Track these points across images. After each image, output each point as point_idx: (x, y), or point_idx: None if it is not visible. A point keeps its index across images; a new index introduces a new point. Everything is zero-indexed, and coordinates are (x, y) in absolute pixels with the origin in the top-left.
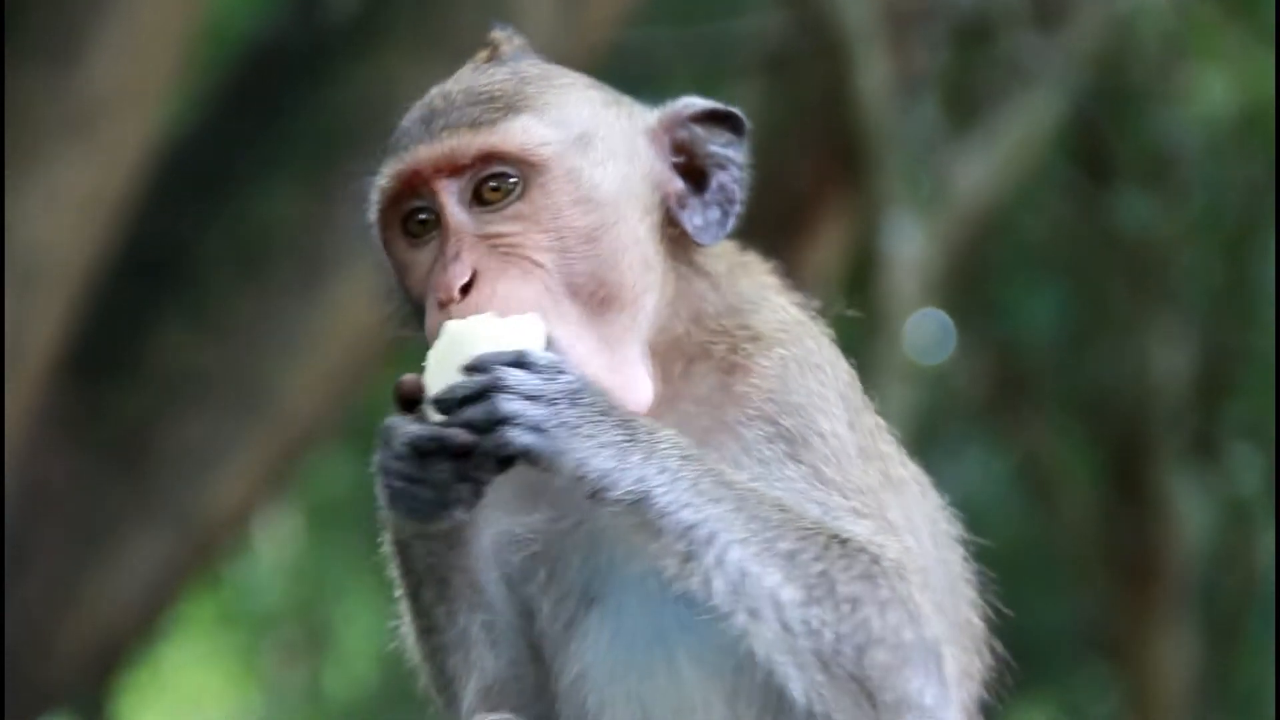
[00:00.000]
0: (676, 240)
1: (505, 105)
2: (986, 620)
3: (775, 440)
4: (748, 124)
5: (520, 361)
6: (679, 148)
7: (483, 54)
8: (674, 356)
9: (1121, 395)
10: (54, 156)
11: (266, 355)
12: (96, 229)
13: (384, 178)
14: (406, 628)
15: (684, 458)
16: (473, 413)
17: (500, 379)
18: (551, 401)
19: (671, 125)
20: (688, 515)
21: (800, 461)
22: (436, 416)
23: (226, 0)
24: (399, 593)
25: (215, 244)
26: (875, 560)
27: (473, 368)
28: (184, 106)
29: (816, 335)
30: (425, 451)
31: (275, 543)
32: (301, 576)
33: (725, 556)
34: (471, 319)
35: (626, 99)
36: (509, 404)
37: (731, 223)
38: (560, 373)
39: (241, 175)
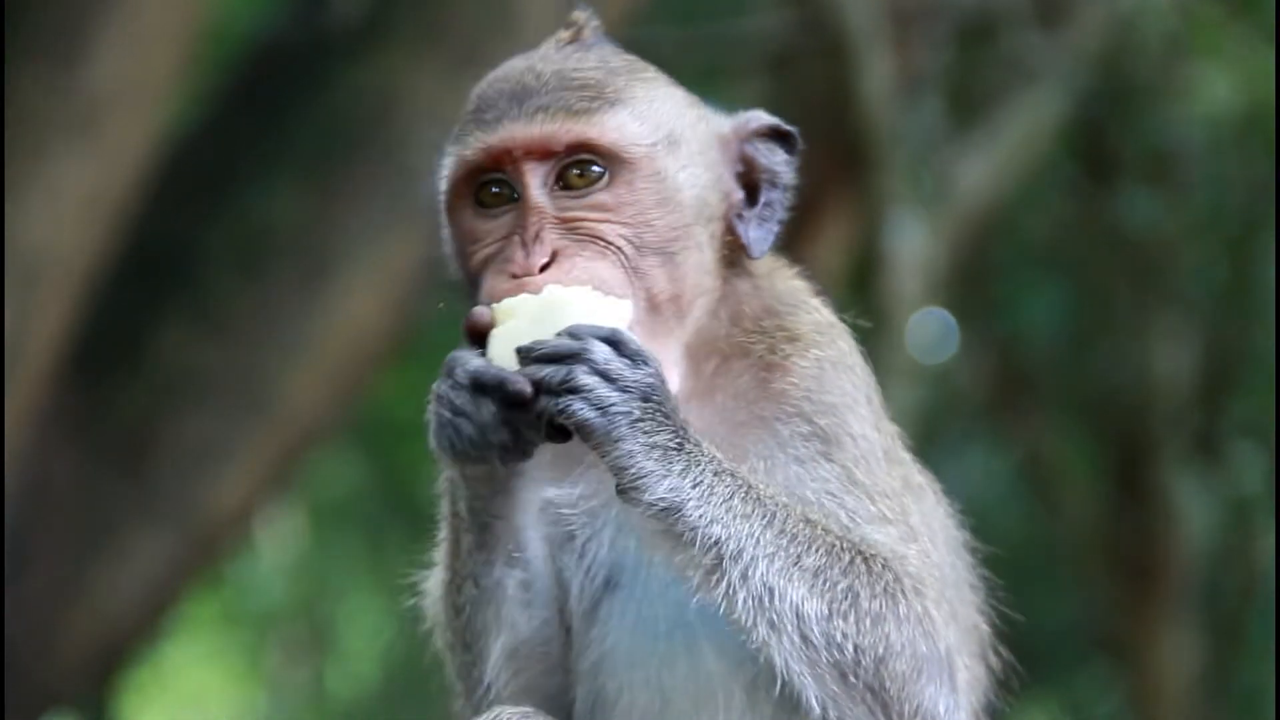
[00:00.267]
0: (728, 246)
1: (599, 95)
2: (991, 624)
3: (811, 439)
4: (801, 144)
5: (612, 339)
6: (742, 159)
7: (565, 34)
8: (708, 353)
9: (1124, 394)
10: (56, 156)
11: (268, 354)
12: (98, 228)
13: (469, 148)
14: (436, 581)
15: (719, 473)
16: (550, 372)
17: (588, 350)
18: (625, 388)
19: (742, 137)
20: (716, 530)
21: (833, 461)
22: (510, 360)
23: (228, 2)
24: (439, 537)
25: (217, 243)
26: (897, 576)
27: (567, 332)
28: (186, 106)
29: (848, 338)
30: (482, 388)
31: (277, 542)
32: (304, 575)
33: (751, 572)
34: (572, 288)
35: (699, 100)
36: (585, 377)
37: (776, 238)
38: (644, 363)
39: (243, 175)
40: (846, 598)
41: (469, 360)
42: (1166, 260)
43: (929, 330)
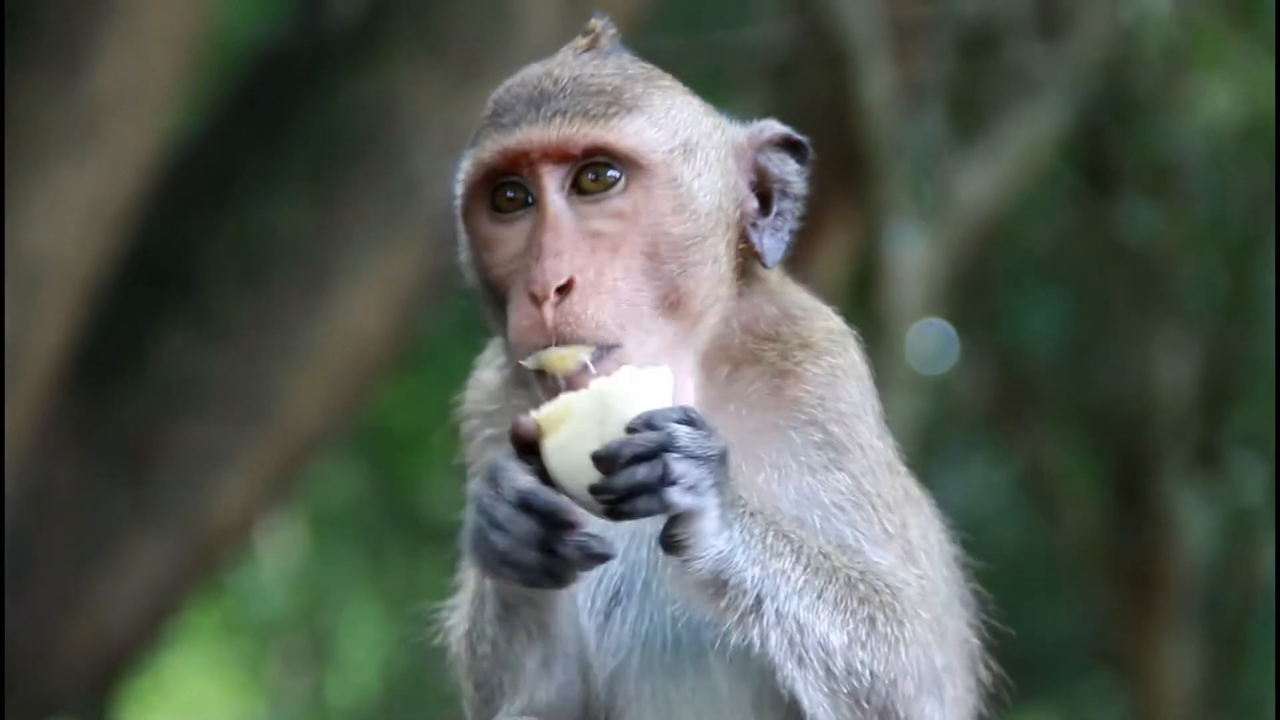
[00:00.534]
0: (742, 255)
1: (616, 101)
2: (982, 637)
3: (823, 447)
4: (813, 155)
5: (687, 418)
6: (755, 168)
7: (582, 41)
8: (720, 361)
9: (1125, 405)
10: (58, 163)
11: (270, 363)
12: (100, 235)
13: (486, 151)
14: (458, 621)
15: (754, 513)
16: (645, 473)
17: (674, 439)
18: (706, 461)
19: (756, 146)
20: (756, 572)
21: (843, 470)
22: (579, 470)
23: (230, 8)
24: (461, 575)
25: (218, 251)
26: (903, 601)
27: (641, 425)
28: (188, 114)
29: (858, 347)
30: (529, 508)
31: (278, 551)
32: (305, 585)
33: (784, 610)
34: (616, 377)
35: (714, 109)
36: (678, 464)
37: (787, 248)
38: (713, 431)
39: (245, 183)
40: (864, 626)
41: (518, 477)
42: (1167, 271)
43: (929, 341)
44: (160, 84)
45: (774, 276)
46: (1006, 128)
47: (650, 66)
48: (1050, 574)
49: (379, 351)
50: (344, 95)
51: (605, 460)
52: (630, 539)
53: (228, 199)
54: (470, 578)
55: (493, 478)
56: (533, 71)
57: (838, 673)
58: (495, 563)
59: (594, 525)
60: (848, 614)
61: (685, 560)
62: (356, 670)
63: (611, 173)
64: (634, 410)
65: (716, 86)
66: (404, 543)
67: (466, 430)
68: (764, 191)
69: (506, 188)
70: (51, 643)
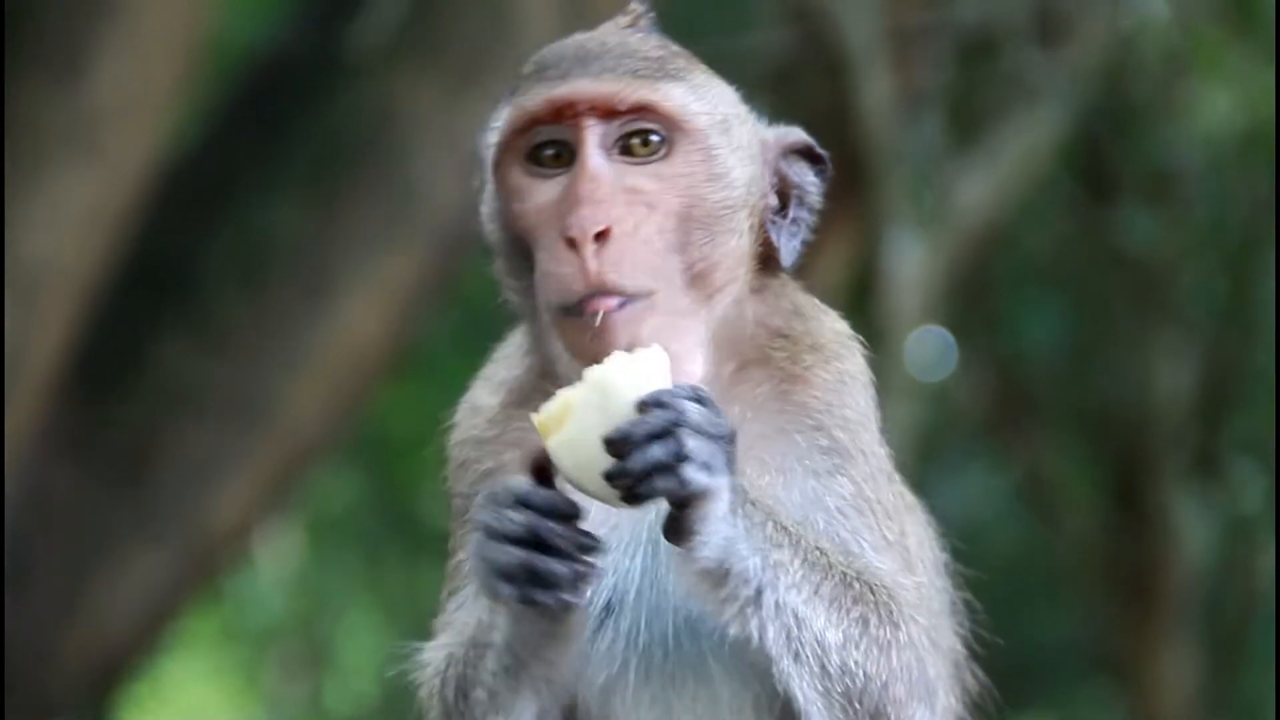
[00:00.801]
0: (761, 245)
1: (662, 68)
2: (969, 646)
3: (829, 453)
4: (830, 170)
5: (697, 396)
6: (776, 170)
7: (625, 20)
8: (728, 352)
9: (1124, 411)
10: (57, 170)
11: (268, 369)
12: (99, 242)
13: (530, 100)
14: (438, 659)
15: (754, 501)
16: (661, 451)
17: (685, 414)
18: (717, 439)
19: (780, 148)
20: (758, 562)
21: (846, 476)
22: (591, 461)
23: (230, 16)
24: (449, 621)
25: (217, 258)
26: (899, 604)
27: (650, 404)
28: (187, 120)
29: (863, 352)
30: (527, 505)
31: (277, 557)
32: (303, 591)
33: (783, 602)
34: (612, 363)
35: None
36: (691, 440)
37: (799, 254)
38: (721, 411)
39: (244, 189)
40: (858, 625)
41: (516, 482)
42: (1166, 278)
43: (928, 348)
44: (160, 89)
45: (782, 276)
46: (1005, 135)
47: (688, 52)
48: (1049, 580)
49: (378, 357)
50: (343, 102)
51: (617, 443)
52: (623, 549)
53: (227, 204)
54: (463, 622)
55: (494, 493)
56: (576, 38)
57: (833, 671)
58: (493, 578)
59: (597, 521)
60: (842, 612)
61: (692, 546)
62: (354, 676)
63: (654, 137)
64: (635, 394)
65: None
66: (403, 549)
67: (459, 458)
68: (782, 194)
69: (546, 145)
70: (50, 647)
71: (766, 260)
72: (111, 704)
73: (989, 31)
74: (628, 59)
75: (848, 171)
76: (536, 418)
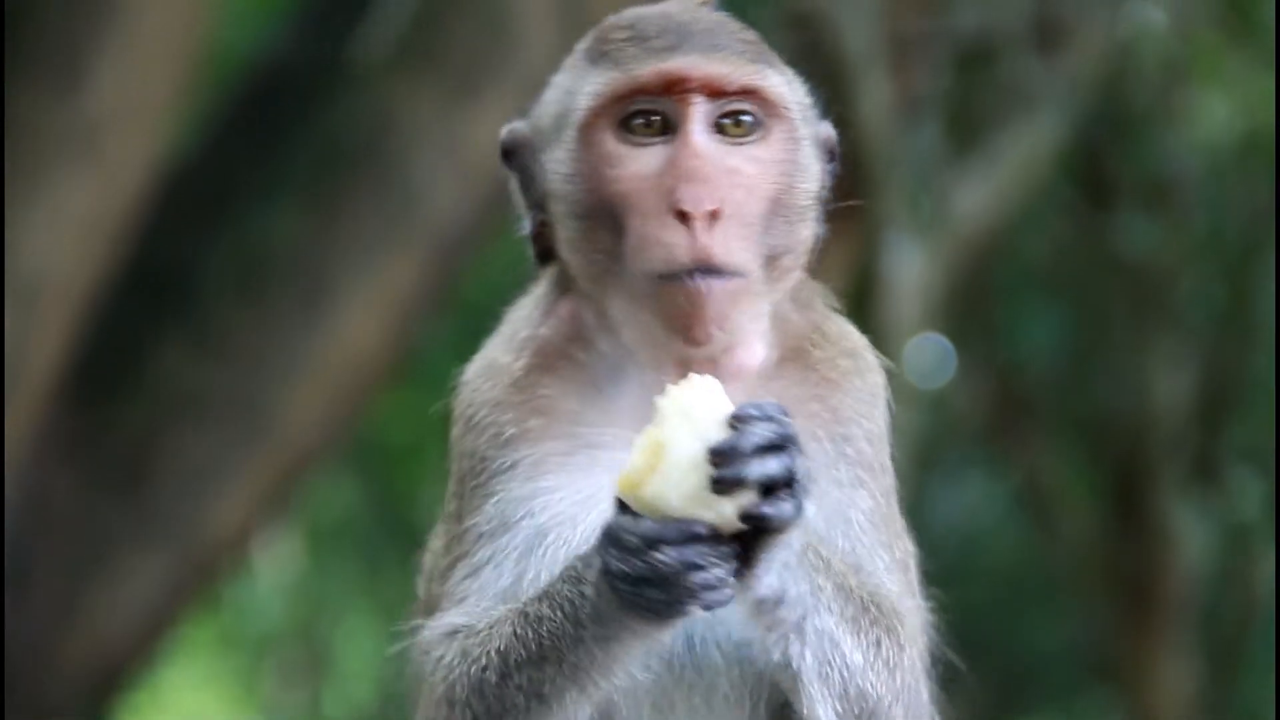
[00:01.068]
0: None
1: (761, 53)
2: (938, 670)
3: (854, 464)
4: (837, 165)
5: (783, 410)
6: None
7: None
8: (774, 344)
9: (1122, 419)
10: (56, 177)
11: (267, 376)
12: (98, 250)
13: (641, 69)
14: (457, 649)
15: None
16: (778, 463)
17: (788, 429)
18: (804, 452)
19: (825, 143)
20: (805, 588)
21: (867, 490)
22: (695, 490)
23: (228, 23)
24: (461, 591)
25: (217, 264)
26: (905, 628)
27: (747, 417)
28: (186, 128)
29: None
30: (661, 542)
31: (275, 564)
32: (301, 598)
33: (822, 628)
34: (678, 392)
35: None
36: (800, 458)
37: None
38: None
39: (242, 197)
40: (874, 648)
41: (639, 525)
42: (1165, 285)
43: (927, 355)
44: (159, 96)
45: (808, 281)
46: (1004, 141)
47: None
48: (1048, 586)
49: (377, 363)
50: (342, 110)
51: (725, 453)
52: None
53: (226, 210)
54: (478, 594)
55: (614, 539)
56: (662, 8)
57: (852, 693)
58: (662, 608)
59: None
60: (862, 634)
61: (755, 575)
62: (353, 683)
63: (752, 119)
64: (721, 415)
65: None
66: (401, 556)
67: (475, 418)
68: None
69: (643, 114)
70: (48, 653)
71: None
72: (110, 709)
73: (988, 38)
74: (734, 40)
75: (847, 178)
76: (621, 479)
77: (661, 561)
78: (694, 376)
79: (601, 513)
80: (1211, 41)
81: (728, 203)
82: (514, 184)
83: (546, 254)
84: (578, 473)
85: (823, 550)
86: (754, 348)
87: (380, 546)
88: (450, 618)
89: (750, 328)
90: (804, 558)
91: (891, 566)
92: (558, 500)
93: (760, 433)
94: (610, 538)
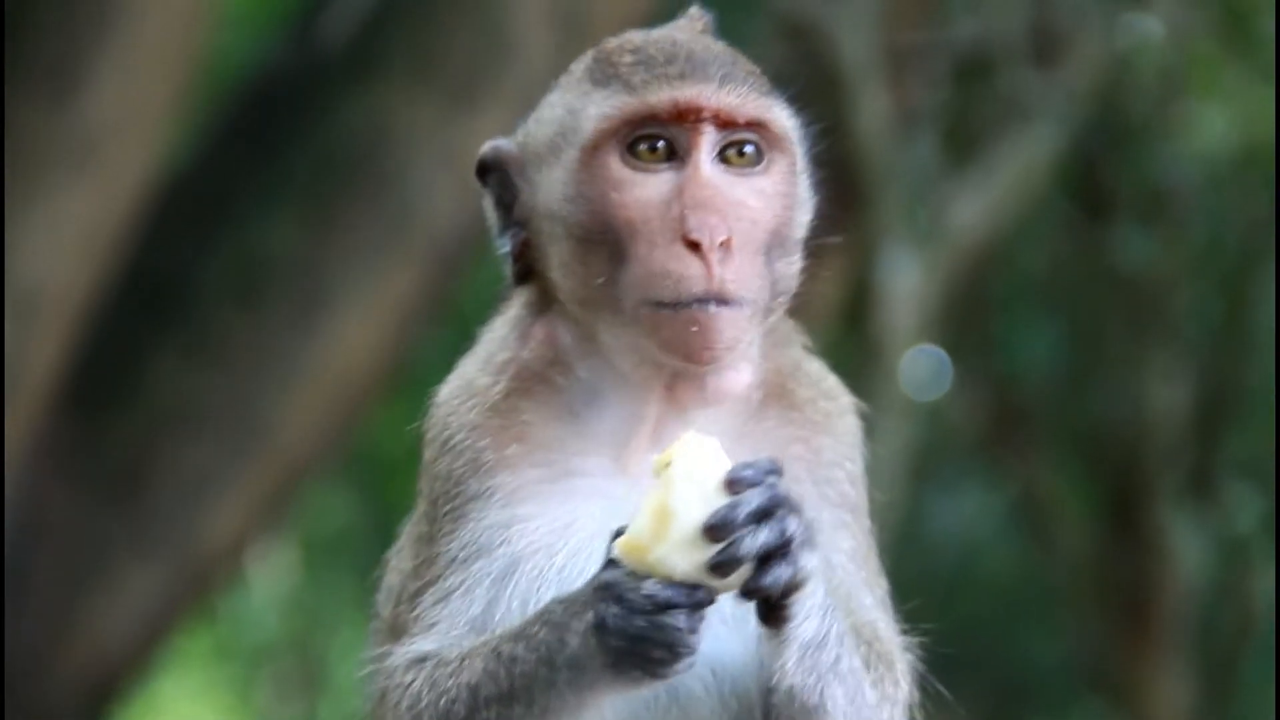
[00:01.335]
0: None
1: (768, 86)
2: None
3: (838, 506)
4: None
5: (777, 469)
6: None
7: (698, 25)
8: (758, 380)
9: (1119, 431)
10: (53, 188)
11: (263, 387)
12: (95, 260)
13: (654, 95)
14: (423, 676)
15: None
16: (769, 533)
17: (779, 491)
18: (803, 512)
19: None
20: (838, 629)
21: (850, 531)
22: (694, 555)
23: (225, 33)
24: (430, 618)
25: (213, 275)
26: (898, 662)
27: (740, 482)
28: (183, 137)
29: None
30: (669, 606)
31: (271, 576)
32: (297, 610)
33: (851, 667)
34: (682, 453)
35: None
36: (790, 522)
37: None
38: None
39: (239, 207)
40: (880, 684)
41: (641, 584)
42: (1162, 298)
43: (923, 366)
44: (156, 107)
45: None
46: (1001, 153)
47: None
48: (1044, 600)
49: (373, 375)
50: (338, 119)
51: (719, 528)
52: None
53: (223, 221)
54: (448, 623)
55: (614, 595)
56: (672, 35)
57: None
58: (656, 668)
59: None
60: (870, 669)
61: (793, 626)
62: (348, 695)
63: (757, 151)
64: (711, 477)
65: None
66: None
67: (450, 441)
68: None
69: (650, 139)
70: (44, 663)
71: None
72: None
73: (985, 50)
74: (743, 71)
75: (843, 189)
76: (625, 541)
77: (670, 625)
78: (692, 435)
79: (578, 542)
80: (1209, 53)
81: (736, 233)
82: (488, 200)
83: (526, 273)
84: (555, 501)
85: (838, 589)
86: (742, 372)
87: (376, 558)
88: (419, 644)
89: (750, 357)
90: (831, 599)
91: (878, 602)
92: (534, 529)
93: (753, 501)
94: (611, 593)
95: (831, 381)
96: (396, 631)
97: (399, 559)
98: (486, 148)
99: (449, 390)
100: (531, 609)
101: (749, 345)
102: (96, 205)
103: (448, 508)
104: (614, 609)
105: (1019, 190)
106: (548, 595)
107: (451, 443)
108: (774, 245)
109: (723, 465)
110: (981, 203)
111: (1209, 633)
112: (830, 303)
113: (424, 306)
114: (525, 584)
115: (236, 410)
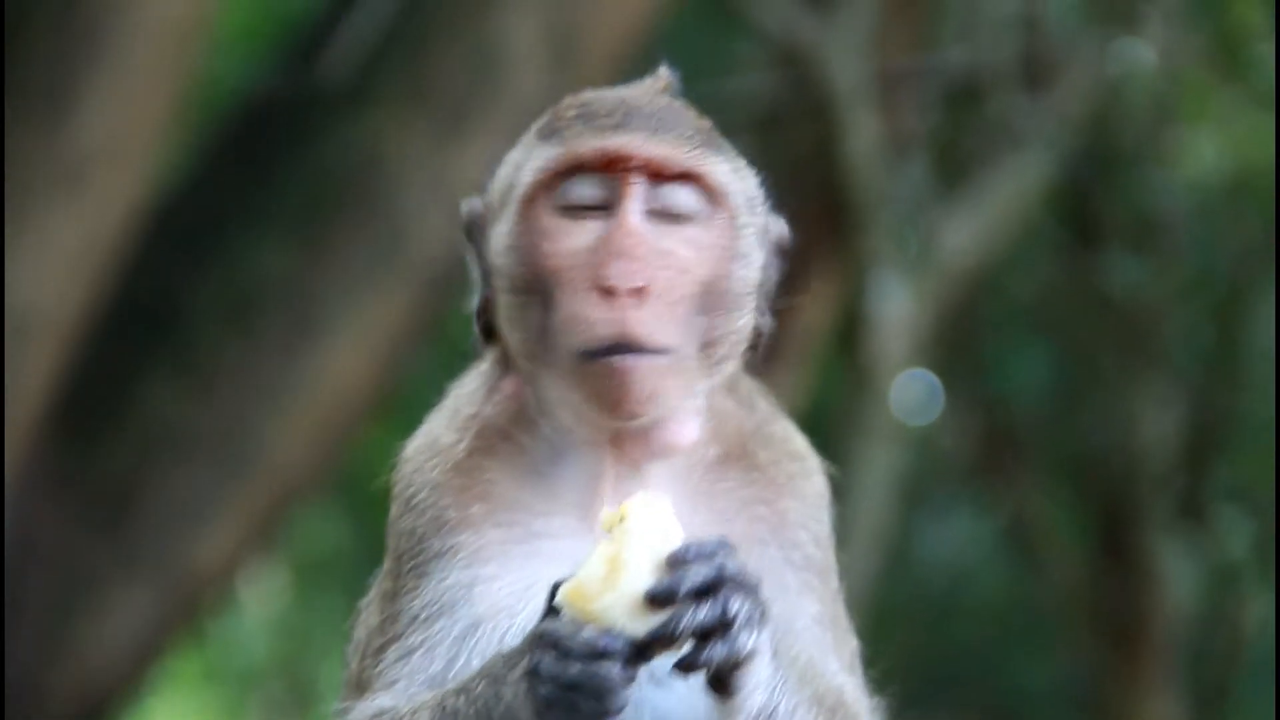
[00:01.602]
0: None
1: (709, 139)
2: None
3: (802, 569)
4: (787, 263)
5: (727, 544)
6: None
7: (660, 84)
8: (713, 438)
9: (1109, 457)
10: (44, 211)
11: (254, 410)
12: (85, 283)
13: (582, 145)
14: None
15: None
16: (709, 612)
17: (724, 569)
18: (753, 591)
19: (777, 240)
20: (792, 702)
21: (815, 594)
22: (636, 623)
23: (217, 57)
24: (391, 672)
25: (204, 299)
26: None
27: (685, 558)
28: (174, 162)
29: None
30: (606, 654)
31: (261, 598)
32: (287, 633)
33: None
34: (636, 509)
35: None
36: (733, 603)
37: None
38: (743, 562)
39: (230, 230)
40: None
41: (583, 633)
42: (1152, 324)
43: (914, 391)
44: (147, 130)
45: (749, 382)
46: (992, 179)
47: None
48: (1034, 625)
49: (363, 398)
50: (330, 144)
51: (661, 598)
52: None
53: (214, 245)
54: (407, 680)
55: (550, 642)
56: (620, 91)
57: None
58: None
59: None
60: None
61: (740, 699)
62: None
63: (692, 203)
64: (662, 544)
65: None
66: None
67: (415, 499)
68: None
69: (582, 187)
70: (35, 688)
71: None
72: None
73: (976, 76)
74: (679, 123)
75: (833, 215)
76: (572, 587)
77: (603, 675)
78: (645, 495)
79: (540, 604)
80: (1200, 80)
81: (656, 281)
82: (470, 259)
83: (492, 330)
84: (517, 562)
85: (799, 657)
86: (686, 426)
87: (366, 582)
88: (379, 700)
89: (682, 405)
90: (787, 671)
91: (844, 665)
92: (496, 589)
93: (695, 578)
94: (547, 640)
95: (798, 443)
96: (361, 686)
97: (367, 613)
98: (464, 207)
99: (414, 446)
100: None
101: (685, 398)
102: (87, 229)
103: (411, 565)
104: (549, 655)
105: (1010, 216)
106: None
107: (415, 500)
108: (707, 297)
109: (673, 529)
110: (972, 228)
111: (1200, 658)
112: (821, 328)
113: (415, 330)
114: (486, 644)
115: (227, 433)
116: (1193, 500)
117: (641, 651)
